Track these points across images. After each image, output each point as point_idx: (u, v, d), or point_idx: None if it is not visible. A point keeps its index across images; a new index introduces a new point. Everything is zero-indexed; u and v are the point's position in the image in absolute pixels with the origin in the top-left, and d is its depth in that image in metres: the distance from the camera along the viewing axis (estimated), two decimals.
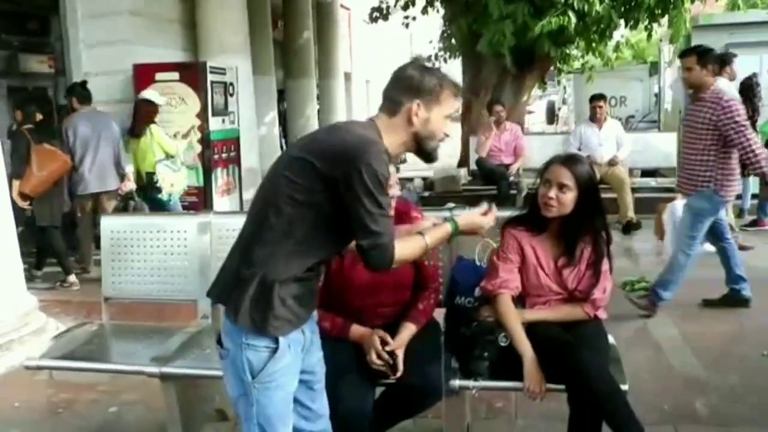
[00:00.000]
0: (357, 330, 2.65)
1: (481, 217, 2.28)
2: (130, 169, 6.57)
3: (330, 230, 1.94)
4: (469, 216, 2.27)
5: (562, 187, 2.62)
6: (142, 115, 6.55)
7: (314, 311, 2.13)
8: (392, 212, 2.58)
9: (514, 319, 2.64)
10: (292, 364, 1.99)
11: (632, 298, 4.73)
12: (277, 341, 1.92)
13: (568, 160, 2.69)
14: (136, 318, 3.86)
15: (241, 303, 1.89)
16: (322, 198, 1.88)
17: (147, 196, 6.69)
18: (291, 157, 1.99)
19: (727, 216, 6.12)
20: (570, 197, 2.63)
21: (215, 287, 2.03)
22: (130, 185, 6.64)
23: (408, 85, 2.01)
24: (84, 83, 6.85)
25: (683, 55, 4.71)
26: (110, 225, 3.49)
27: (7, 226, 4.71)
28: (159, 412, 3.13)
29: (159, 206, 6.56)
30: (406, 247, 2.02)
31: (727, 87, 4.52)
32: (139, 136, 6.51)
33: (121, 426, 3.53)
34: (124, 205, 6.99)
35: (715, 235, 4.72)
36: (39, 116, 6.48)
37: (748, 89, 6.71)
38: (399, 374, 2.54)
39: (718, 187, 4.39)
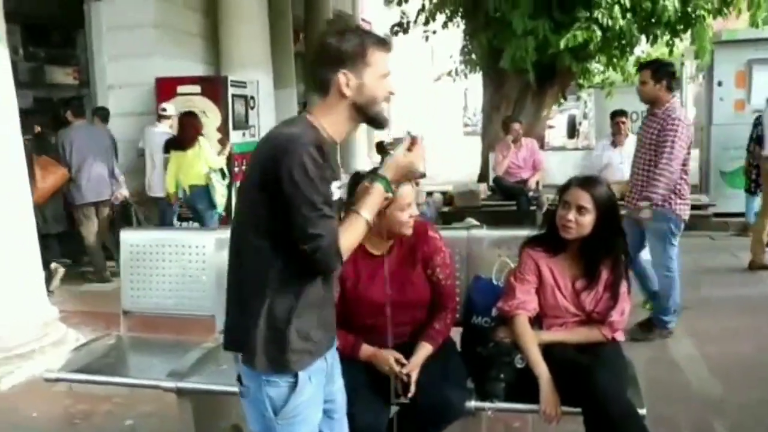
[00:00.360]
0: (367, 349, 2.63)
1: (406, 157, 1.97)
2: (122, 179, 6.81)
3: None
4: (395, 162, 1.96)
5: (580, 209, 2.61)
6: (189, 127, 6.64)
7: (335, 336, 2.07)
8: (409, 228, 2.61)
9: (531, 340, 2.63)
10: (316, 395, 1.93)
11: (640, 337, 4.51)
12: (296, 375, 1.85)
13: (587, 183, 2.68)
14: (154, 331, 3.87)
15: (256, 347, 1.83)
16: (276, 218, 1.79)
17: (194, 208, 6.79)
18: (240, 190, 1.95)
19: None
20: (589, 219, 2.61)
21: (226, 337, 1.96)
22: (124, 192, 6.82)
23: (329, 58, 1.86)
24: (80, 98, 7.02)
25: (640, 68, 4.72)
26: (130, 239, 3.52)
27: (30, 237, 4.78)
28: (174, 424, 3.13)
29: (202, 220, 6.71)
30: (349, 236, 1.85)
31: (680, 107, 4.43)
32: (185, 148, 6.60)
33: None
34: (126, 215, 7.11)
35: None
36: (37, 128, 6.65)
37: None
38: (410, 395, 2.52)
39: (668, 202, 4.33)
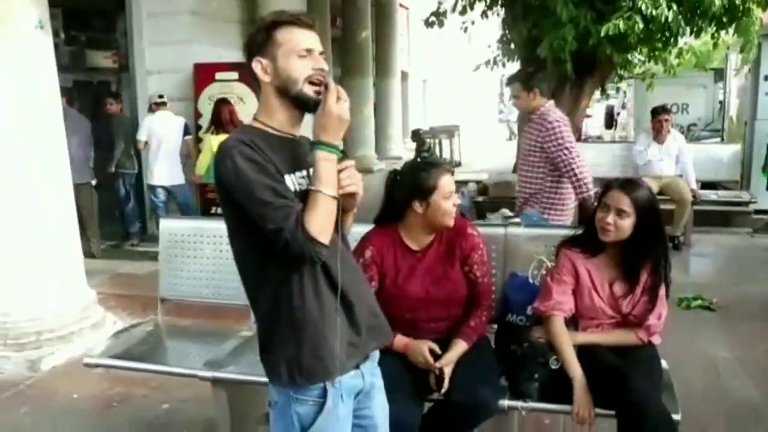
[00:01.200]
0: (401, 340, 2.63)
1: (322, 110, 1.76)
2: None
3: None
4: (317, 121, 1.76)
5: (620, 213, 2.58)
6: (226, 113, 6.75)
7: (372, 348, 1.95)
8: (452, 218, 2.62)
9: (566, 341, 2.61)
10: (346, 416, 1.86)
11: None
12: (325, 393, 1.79)
13: (628, 185, 2.64)
14: (191, 317, 3.94)
15: (277, 361, 1.79)
16: (244, 220, 1.74)
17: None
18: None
19: None
20: (628, 223, 2.58)
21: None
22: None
23: (247, 49, 1.83)
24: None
25: (508, 83, 4.50)
26: (169, 227, 3.58)
27: (70, 221, 4.87)
28: (209, 410, 3.18)
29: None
30: (315, 216, 1.68)
31: (554, 109, 4.22)
32: (228, 131, 6.71)
33: (172, 423, 3.62)
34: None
35: None
36: None
37: None
38: (443, 390, 2.53)
39: (543, 210, 4.21)
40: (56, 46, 4.92)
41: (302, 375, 1.77)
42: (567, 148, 4.06)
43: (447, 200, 2.62)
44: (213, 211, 7.37)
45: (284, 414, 1.82)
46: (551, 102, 4.31)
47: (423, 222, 2.66)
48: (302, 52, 1.78)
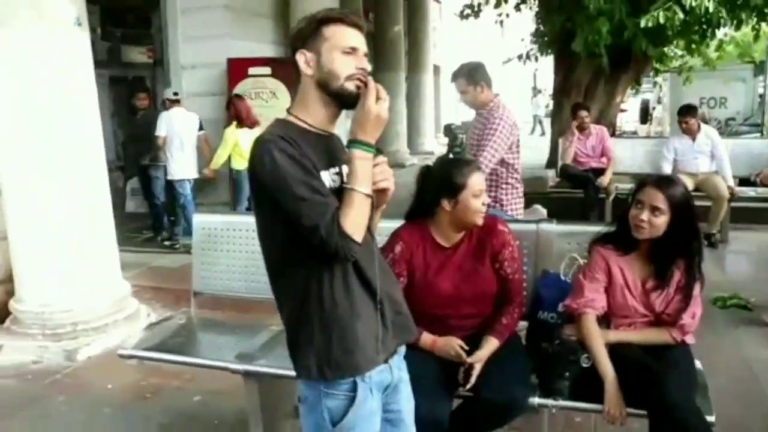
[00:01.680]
0: (427, 338, 2.64)
1: (360, 108, 1.75)
2: None
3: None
4: (360, 118, 1.75)
5: (654, 210, 2.54)
6: (243, 110, 6.98)
7: (399, 343, 1.96)
8: (481, 217, 2.61)
9: (598, 339, 2.59)
10: (375, 408, 1.87)
11: None
12: (355, 387, 1.80)
13: (662, 182, 2.60)
14: (224, 310, 3.98)
15: (307, 355, 1.80)
16: (278, 215, 1.74)
17: (240, 187, 7.06)
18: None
19: None
20: (662, 220, 2.54)
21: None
22: None
23: (293, 41, 1.84)
24: None
25: (453, 78, 4.31)
26: (202, 221, 3.61)
27: (106, 213, 4.95)
28: (241, 403, 3.22)
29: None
30: (350, 214, 1.70)
31: (503, 106, 4.11)
32: (252, 127, 6.97)
33: (204, 415, 3.67)
34: None
35: None
36: None
37: None
38: (469, 386, 2.53)
39: (495, 204, 4.07)
40: (92, 42, 4.99)
41: (332, 369, 1.78)
42: (493, 147, 3.99)
43: (477, 198, 2.60)
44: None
45: (314, 409, 1.83)
46: (500, 98, 4.21)
47: (452, 219, 2.64)
48: (347, 49, 1.80)
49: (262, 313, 3.71)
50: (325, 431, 1.83)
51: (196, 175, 7.39)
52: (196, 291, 3.59)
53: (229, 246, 3.51)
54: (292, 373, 2.78)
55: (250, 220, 3.60)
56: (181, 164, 7.28)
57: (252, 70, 7.75)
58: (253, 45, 8.18)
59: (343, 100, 1.81)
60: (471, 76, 4.16)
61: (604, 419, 2.50)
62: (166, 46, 8.40)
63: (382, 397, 1.92)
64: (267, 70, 7.72)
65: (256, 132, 6.71)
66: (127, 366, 3.95)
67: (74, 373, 4.30)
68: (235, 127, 6.98)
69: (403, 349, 2.01)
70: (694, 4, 6.92)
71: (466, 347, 2.60)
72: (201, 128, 7.41)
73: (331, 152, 1.86)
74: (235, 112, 6.99)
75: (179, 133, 7.22)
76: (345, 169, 1.81)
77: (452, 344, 2.60)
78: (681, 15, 6.96)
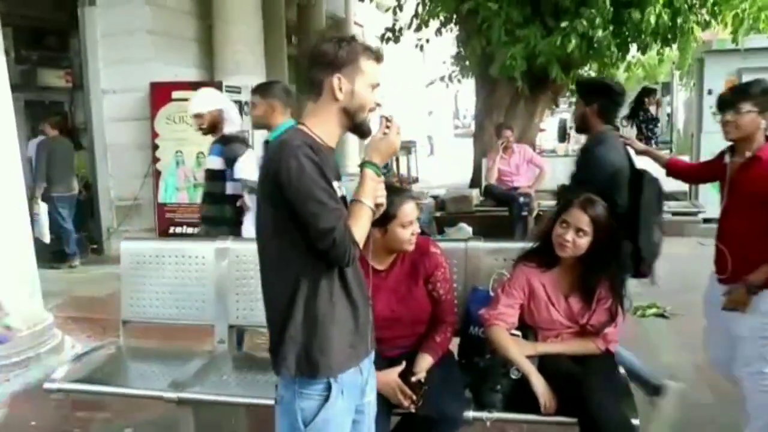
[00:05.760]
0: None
1: (385, 138, 1.98)
2: None
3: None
4: (376, 145, 1.98)
5: (579, 231, 2.67)
6: None
7: (370, 347, 2.08)
8: (411, 245, 2.66)
9: (510, 345, 2.68)
10: (347, 409, 1.99)
11: None
12: (329, 388, 1.92)
13: (588, 204, 2.71)
14: (154, 339, 3.90)
15: (287, 352, 1.90)
16: (289, 219, 1.84)
17: None
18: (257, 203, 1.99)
19: None
20: (586, 241, 2.67)
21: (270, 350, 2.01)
22: None
23: (325, 62, 1.93)
24: None
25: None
26: (130, 248, 3.55)
27: (25, 241, 4.78)
28: None
29: None
30: (358, 223, 1.88)
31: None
32: None
33: None
34: None
35: None
36: None
37: None
38: (419, 404, 2.56)
39: None
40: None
41: (310, 366, 1.90)
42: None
43: (405, 229, 2.63)
44: (171, 230, 7.35)
45: (289, 410, 1.94)
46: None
47: (383, 244, 2.67)
48: (375, 85, 1.98)
49: (192, 340, 3.68)
50: (297, 431, 1.92)
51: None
52: (125, 320, 3.52)
53: (158, 272, 3.46)
54: (227, 399, 2.79)
55: (178, 246, 3.60)
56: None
57: (176, 94, 7.64)
58: (177, 69, 8.07)
59: (361, 131, 2.00)
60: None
61: (543, 411, 2.56)
62: (86, 70, 8.18)
63: (353, 400, 2.01)
64: (191, 94, 7.61)
65: None
66: (52, 401, 3.82)
67: None
68: None
69: (372, 355, 2.11)
70: (591, 33, 7.33)
71: (407, 391, 2.57)
72: None
73: (335, 166, 2.01)
74: None
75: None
76: (336, 183, 1.94)
77: (393, 386, 2.58)
78: (576, 42, 7.36)
